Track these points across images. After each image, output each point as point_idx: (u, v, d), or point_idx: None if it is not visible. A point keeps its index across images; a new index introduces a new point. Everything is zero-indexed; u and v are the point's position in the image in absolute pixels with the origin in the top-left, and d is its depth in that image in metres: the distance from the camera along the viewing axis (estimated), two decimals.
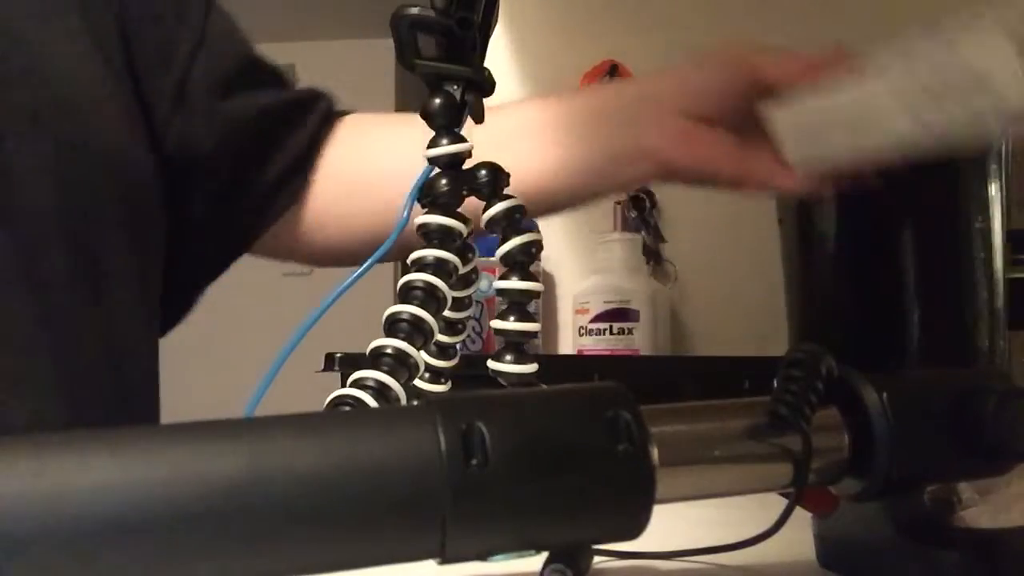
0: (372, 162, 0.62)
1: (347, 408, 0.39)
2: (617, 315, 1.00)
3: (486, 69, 0.44)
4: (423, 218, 0.44)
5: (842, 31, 1.06)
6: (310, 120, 0.61)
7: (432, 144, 0.44)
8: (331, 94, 0.64)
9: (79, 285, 0.51)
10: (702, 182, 0.53)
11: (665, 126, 0.53)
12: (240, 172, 0.60)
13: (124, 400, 0.54)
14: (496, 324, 0.45)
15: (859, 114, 0.45)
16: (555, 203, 0.58)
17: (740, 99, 0.51)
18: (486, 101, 0.44)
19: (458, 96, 0.44)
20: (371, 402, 0.39)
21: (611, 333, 1.00)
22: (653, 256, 1.07)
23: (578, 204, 0.59)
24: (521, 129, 0.57)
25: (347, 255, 0.64)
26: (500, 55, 1.13)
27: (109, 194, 0.53)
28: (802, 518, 0.36)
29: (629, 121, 0.54)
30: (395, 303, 0.42)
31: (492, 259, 0.47)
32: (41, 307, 0.49)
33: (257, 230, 0.62)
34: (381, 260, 0.46)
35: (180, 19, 0.58)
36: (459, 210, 0.45)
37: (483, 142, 0.50)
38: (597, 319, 1.01)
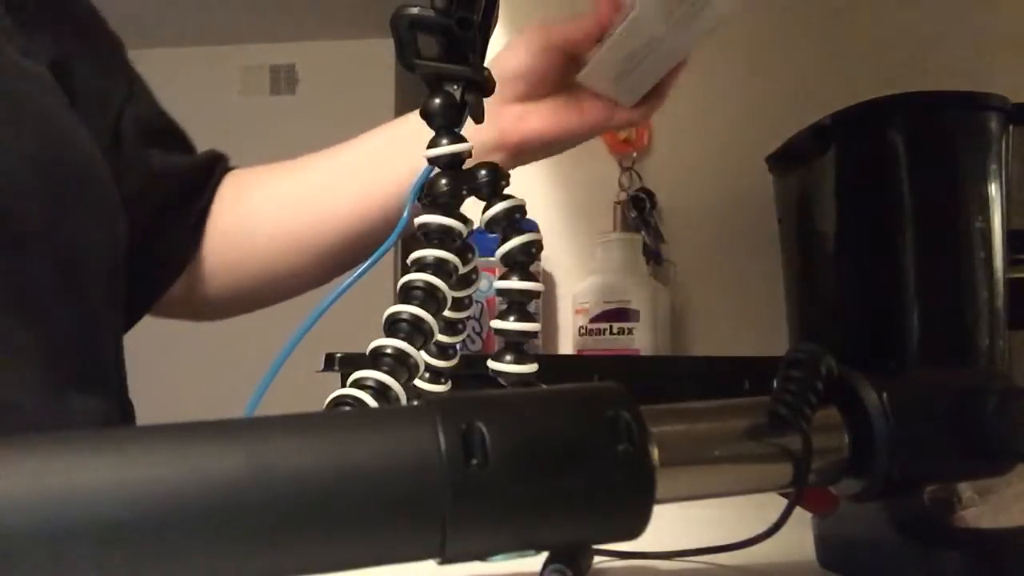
0: (248, 211, 0.67)
1: (347, 408, 0.39)
2: (617, 315, 1.00)
3: (486, 69, 0.44)
4: (423, 218, 0.44)
5: (840, 23, 1.06)
6: (210, 183, 0.68)
7: (432, 144, 0.44)
8: (226, 156, 0.70)
9: (61, 281, 0.53)
10: (558, 147, 0.63)
11: (502, 118, 0.61)
12: (158, 221, 0.65)
13: (98, 385, 0.57)
14: (496, 324, 0.45)
15: (639, 40, 0.56)
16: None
17: (555, 66, 0.60)
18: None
19: (458, 96, 0.44)
20: (371, 402, 0.39)
21: (611, 333, 1.00)
22: (653, 256, 1.07)
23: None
24: (395, 141, 0.64)
25: (238, 302, 0.70)
26: None
27: (87, 198, 0.56)
28: (802, 518, 0.36)
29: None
30: (395, 303, 0.42)
31: (492, 259, 0.47)
32: (24, 304, 0.51)
33: (165, 282, 0.66)
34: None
35: (110, 72, 0.65)
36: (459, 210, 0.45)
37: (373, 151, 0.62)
38: (597, 319, 1.01)
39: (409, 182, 0.48)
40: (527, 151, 0.62)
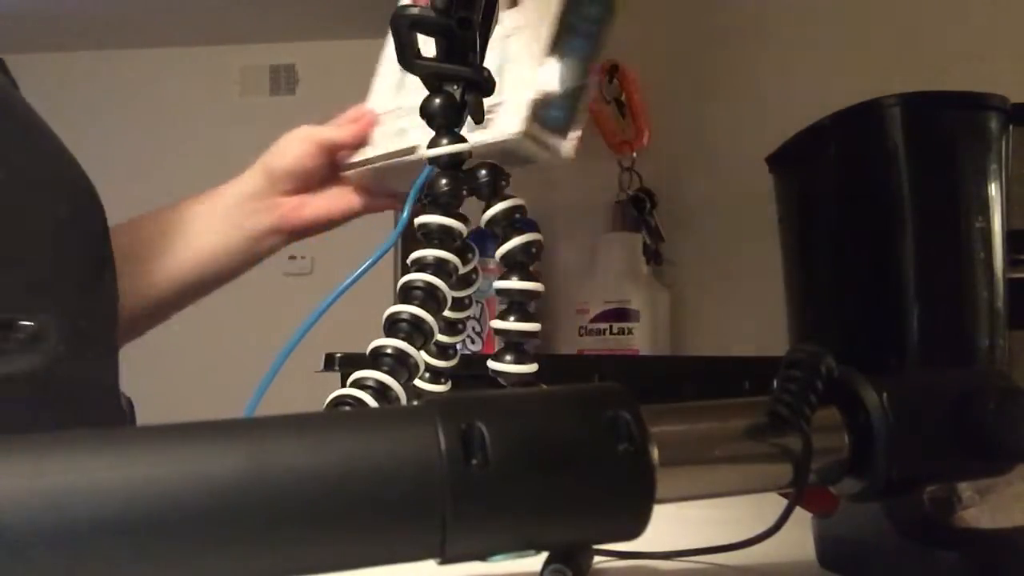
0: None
1: (347, 408, 0.39)
2: (617, 315, 1.00)
3: (485, 69, 0.44)
4: (423, 218, 0.44)
5: (836, 23, 1.06)
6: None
7: (432, 144, 0.44)
8: None
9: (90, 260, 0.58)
10: (333, 226, 0.71)
11: (280, 207, 0.70)
12: None
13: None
14: (496, 324, 0.45)
15: (403, 164, 0.62)
16: (214, 281, 0.72)
17: (321, 164, 0.69)
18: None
19: (458, 96, 0.44)
20: (371, 402, 0.39)
21: (611, 333, 1.00)
22: (653, 256, 1.07)
23: (226, 280, 0.73)
24: (182, 223, 0.71)
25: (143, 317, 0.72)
26: None
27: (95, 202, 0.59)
28: (802, 518, 0.36)
29: (254, 211, 0.71)
30: (395, 303, 0.42)
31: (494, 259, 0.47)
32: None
33: None
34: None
35: None
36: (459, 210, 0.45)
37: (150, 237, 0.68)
38: (597, 319, 1.01)
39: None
40: (305, 233, 0.72)
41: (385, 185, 0.69)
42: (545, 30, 0.52)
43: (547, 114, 0.52)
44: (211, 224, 0.70)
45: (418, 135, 0.60)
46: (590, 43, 0.54)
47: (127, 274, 0.62)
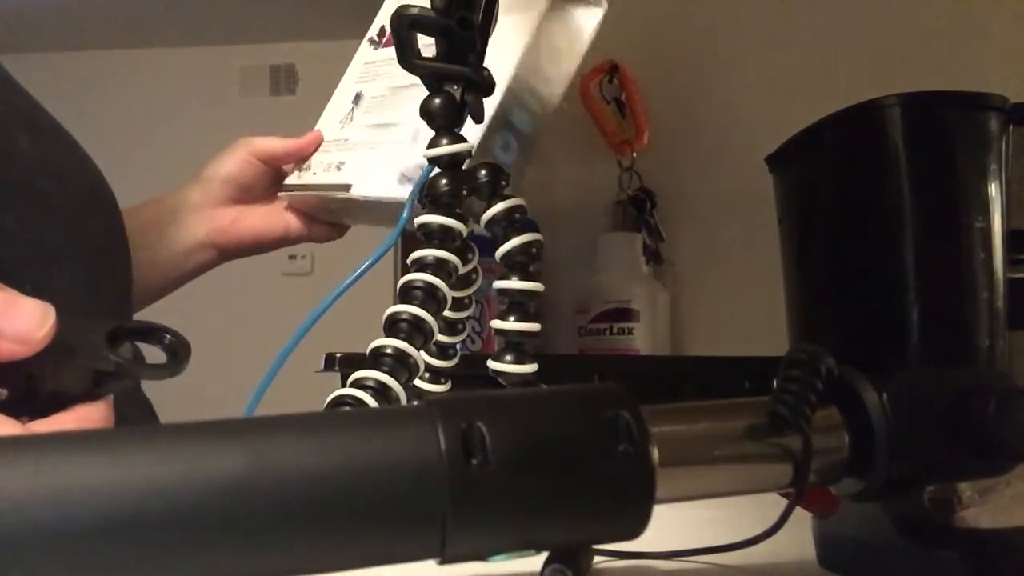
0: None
1: (347, 408, 0.39)
2: (617, 315, 1.00)
3: (485, 69, 0.44)
4: (423, 218, 0.44)
5: (837, 23, 1.06)
6: None
7: (432, 144, 0.44)
8: None
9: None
10: (265, 248, 0.70)
11: (217, 219, 0.69)
12: None
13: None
14: (496, 324, 0.45)
15: (322, 177, 0.64)
16: (143, 299, 0.68)
17: (259, 175, 0.68)
18: None
19: (458, 96, 0.44)
20: (371, 402, 0.39)
21: (611, 333, 1.00)
22: (653, 256, 1.07)
23: (158, 298, 0.71)
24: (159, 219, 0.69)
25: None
26: None
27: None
28: (802, 518, 0.36)
29: (189, 223, 0.69)
30: (395, 303, 0.42)
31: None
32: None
33: None
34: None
35: None
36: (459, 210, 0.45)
37: None
38: (597, 319, 1.01)
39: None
40: (238, 251, 0.70)
41: (326, 215, 0.68)
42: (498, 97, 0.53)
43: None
44: (145, 237, 0.68)
45: (353, 173, 0.61)
46: (533, 123, 0.56)
47: None
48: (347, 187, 0.60)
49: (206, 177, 0.69)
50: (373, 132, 0.61)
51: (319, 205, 0.67)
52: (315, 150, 0.66)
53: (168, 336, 0.35)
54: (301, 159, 0.67)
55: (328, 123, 0.67)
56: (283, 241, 0.70)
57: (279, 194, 0.68)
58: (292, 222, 0.69)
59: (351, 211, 0.65)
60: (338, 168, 0.63)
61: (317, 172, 0.65)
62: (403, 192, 0.56)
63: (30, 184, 0.50)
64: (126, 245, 0.59)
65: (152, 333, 0.35)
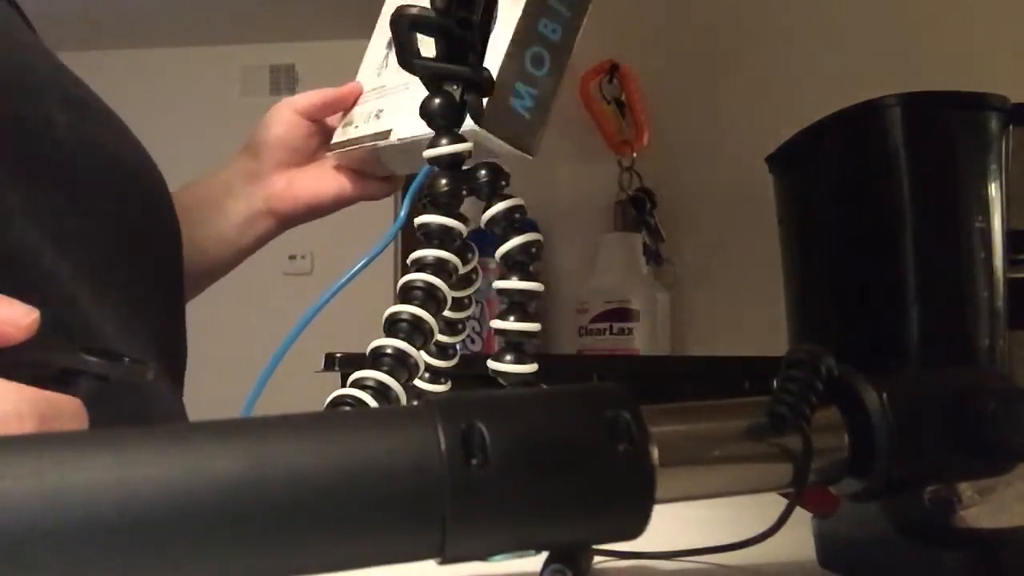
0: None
1: (347, 408, 0.39)
2: (617, 315, 1.00)
3: (485, 69, 0.44)
4: (423, 218, 0.44)
5: (837, 23, 1.06)
6: None
7: (432, 144, 0.44)
8: None
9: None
10: (323, 212, 0.68)
11: (270, 186, 0.67)
12: None
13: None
14: (496, 324, 0.45)
15: (363, 129, 0.61)
16: (204, 275, 0.69)
17: (305, 133, 0.67)
18: None
19: (458, 96, 0.44)
20: (371, 402, 0.39)
21: (611, 333, 1.00)
22: (653, 256, 1.07)
23: (217, 275, 0.71)
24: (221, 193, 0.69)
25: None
26: None
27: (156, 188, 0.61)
28: (802, 518, 0.36)
29: (244, 194, 0.68)
30: (395, 303, 0.42)
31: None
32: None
33: None
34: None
35: None
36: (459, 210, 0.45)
37: None
38: (597, 319, 1.01)
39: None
40: (295, 216, 0.69)
41: (377, 168, 0.66)
42: (517, 10, 0.50)
43: (513, 106, 0.50)
44: (201, 213, 0.67)
45: (392, 118, 0.58)
46: (565, 30, 0.52)
47: None
48: (387, 133, 0.58)
49: (254, 144, 0.68)
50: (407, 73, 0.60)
51: (367, 158, 0.64)
52: (355, 100, 0.64)
53: (124, 362, 0.35)
54: (343, 110, 0.65)
55: (366, 73, 0.66)
56: (339, 201, 0.68)
57: (327, 153, 0.66)
58: (345, 181, 0.67)
59: (398, 158, 0.63)
60: (377, 116, 0.61)
61: (359, 125, 0.63)
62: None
63: (58, 164, 0.50)
64: (169, 228, 0.58)
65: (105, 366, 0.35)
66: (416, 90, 0.56)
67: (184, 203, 0.65)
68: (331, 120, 0.68)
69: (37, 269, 0.47)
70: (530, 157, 0.52)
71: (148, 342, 0.54)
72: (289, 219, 0.69)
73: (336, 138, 0.66)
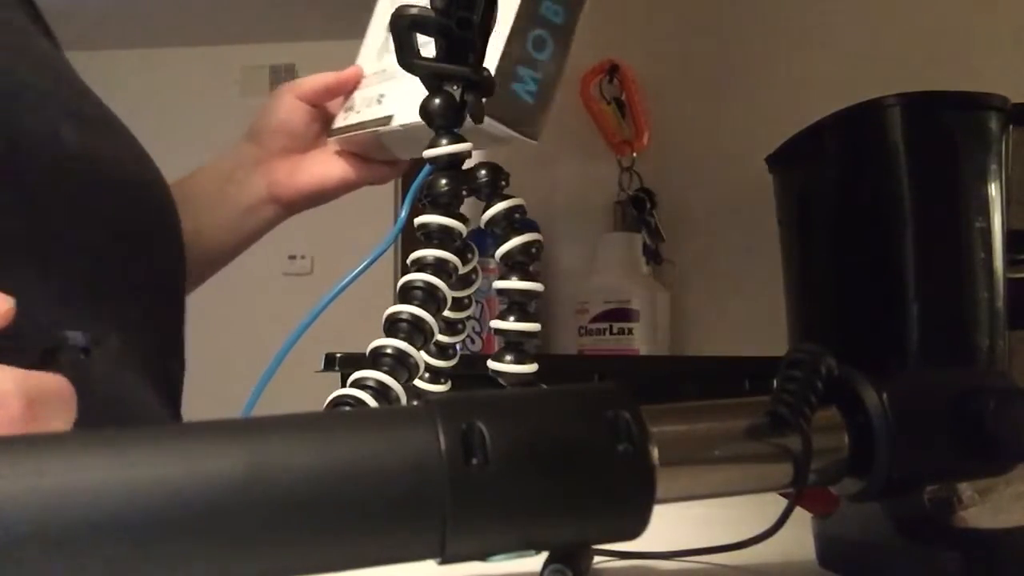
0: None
1: (347, 408, 0.39)
2: (617, 315, 1.00)
3: (485, 69, 0.44)
4: (423, 218, 0.44)
5: (836, 23, 1.06)
6: None
7: (432, 144, 0.44)
8: None
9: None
10: (328, 197, 0.68)
11: (274, 172, 0.67)
12: None
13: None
14: (496, 324, 0.45)
15: (364, 115, 0.61)
16: (205, 264, 0.68)
17: (307, 119, 0.66)
18: None
19: (458, 96, 0.44)
20: (371, 402, 0.39)
21: (611, 333, 1.00)
22: (653, 256, 1.07)
23: (220, 263, 0.70)
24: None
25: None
26: None
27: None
28: (802, 518, 0.36)
29: (247, 180, 0.68)
30: (395, 303, 0.42)
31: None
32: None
33: None
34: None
35: None
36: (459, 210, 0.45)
37: None
38: (597, 319, 1.01)
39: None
40: (299, 202, 0.68)
41: (380, 153, 0.66)
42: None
43: (514, 90, 0.49)
44: (204, 201, 0.67)
45: (394, 103, 0.58)
46: (567, 12, 0.51)
47: None
48: (388, 119, 0.58)
49: (256, 130, 0.68)
50: None
51: (369, 143, 0.64)
52: (356, 84, 0.64)
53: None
54: (344, 94, 0.65)
55: (366, 58, 0.65)
56: (343, 187, 0.67)
57: (328, 139, 0.66)
58: (348, 167, 0.66)
59: (401, 143, 0.62)
60: (379, 101, 0.60)
61: (361, 110, 0.62)
62: None
63: (59, 182, 0.49)
64: (172, 245, 0.58)
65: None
66: (412, 83, 0.55)
67: (187, 191, 0.64)
68: (332, 105, 0.67)
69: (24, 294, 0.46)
70: (533, 142, 0.51)
71: (145, 359, 0.53)
72: (293, 205, 0.69)
73: (337, 123, 0.65)
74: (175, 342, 0.58)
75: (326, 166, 0.66)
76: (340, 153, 0.66)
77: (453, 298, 0.45)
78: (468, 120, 0.45)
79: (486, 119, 0.47)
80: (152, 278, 0.56)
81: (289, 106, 0.66)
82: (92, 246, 0.50)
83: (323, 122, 0.67)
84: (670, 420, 0.31)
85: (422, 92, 0.52)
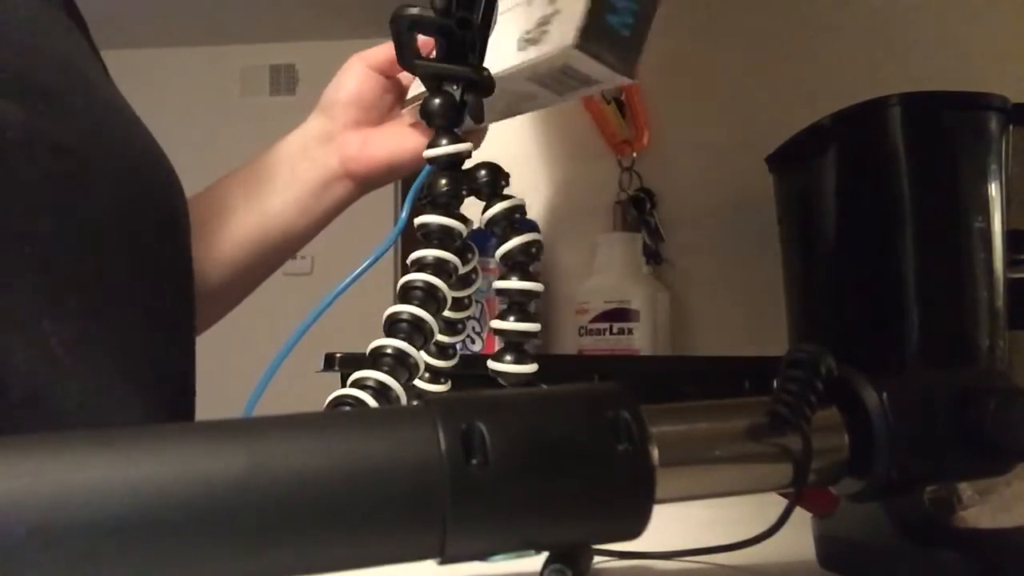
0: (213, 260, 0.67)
1: (347, 408, 0.39)
2: (617, 315, 1.00)
3: (485, 69, 0.44)
4: (423, 218, 0.44)
5: (836, 23, 1.06)
6: None
7: (432, 144, 0.44)
8: None
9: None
10: (401, 172, 0.64)
11: (346, 147, 0.64)
12: None
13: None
14: (496, 324, 0.46)
15: None
16: (283, 242, 0.66)
17: (378, 89, 0.63)
18: None
19: (458, 96, 0.44)
20: (371, 402, 0.39)
21: (611, 333, 1.00)
22: (653, 256, 1.07)
23: (298, 242, 0.67)
24: (247, 184, 0.66)
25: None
26: None
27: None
28: (802, 518, 0.36)
29: (319, 156, 0.65)
30: (395, 303, 0.42)
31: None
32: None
33: None
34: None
35: None
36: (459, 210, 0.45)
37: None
38: (597, 319, 1.01)
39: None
40: (374, 178, 0.65)
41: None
42: None
43: (610, 22, 0.45)
44: (273, 181, 0.64)
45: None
46: None
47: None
48: None
49: (326, 103, 0.65)
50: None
51: None
52: (431, 49, 0.62)
53: None
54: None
55: None
56: (417, 160, 0.63)
57: (403, 110, 0.63)
58: (423, 139, 0.63)
59: (493, 101, 0.59)
60: None
61: None
62: (524, 57, 0.47)
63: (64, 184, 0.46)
64: (181, 256, 0.55)
65: None
66: (498, 27, 0.49)
67: (253, 173, 0.62)
68: (405, 76, 0.64)
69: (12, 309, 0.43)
70: (629, 81, 0.48)
71: (149, 382, 0.51)
72: (368, 181, 0.66)
73: (412, 92, 0.62)
74: (185, 368, 0.56)
75: (400, 139, 0.63)
76: (415, 125, 0.63)
77: (453, 298, 0.45)
78: (564, 77, 0.43)
79: (577, 55, 0.43)
80: (160, 302, 0.53)
81: (361, 76, 0.63)
82: (95, 264, 0.48)
83: (396, 93, 0.64)
84: (670, 420, 0.31)
85: (500, 40, 0.49)
